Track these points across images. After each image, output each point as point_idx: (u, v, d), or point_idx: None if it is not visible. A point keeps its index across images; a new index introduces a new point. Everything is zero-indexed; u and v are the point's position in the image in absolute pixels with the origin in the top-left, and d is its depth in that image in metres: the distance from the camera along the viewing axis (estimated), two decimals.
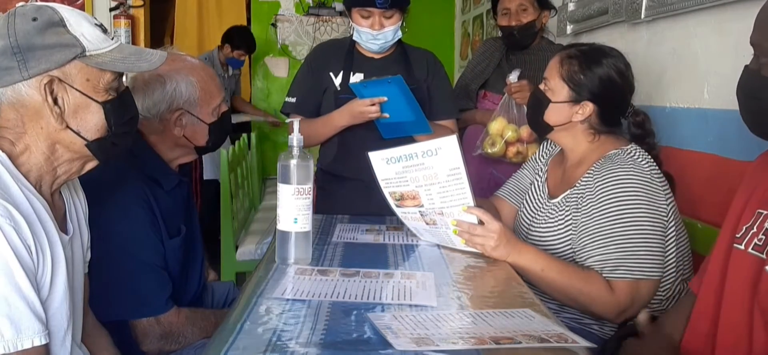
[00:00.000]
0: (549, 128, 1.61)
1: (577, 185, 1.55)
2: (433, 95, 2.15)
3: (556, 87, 1.57)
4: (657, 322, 1.37)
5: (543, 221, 1.63)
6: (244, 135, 4.46)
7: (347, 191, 2.14)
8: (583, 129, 1.59)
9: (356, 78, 2.09)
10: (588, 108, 1.55)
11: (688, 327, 1.25)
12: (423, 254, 1.53)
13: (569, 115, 1.57)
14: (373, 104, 1.92)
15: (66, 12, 1.02)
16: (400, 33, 2.04)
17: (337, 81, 2.09)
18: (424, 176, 1.45)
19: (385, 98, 1.91)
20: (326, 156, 2.18)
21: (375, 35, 2.00)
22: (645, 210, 1.42)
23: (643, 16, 2.01)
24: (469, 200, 1.43)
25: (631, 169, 1.46)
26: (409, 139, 2.03)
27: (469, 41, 4.65)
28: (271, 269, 1.33)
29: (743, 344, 1.08)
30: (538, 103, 1.61)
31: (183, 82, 1.45)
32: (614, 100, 1.57)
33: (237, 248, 3.05)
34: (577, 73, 1.54)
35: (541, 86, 1.62)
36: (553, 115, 1.59)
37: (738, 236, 1.13)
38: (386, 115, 1.95)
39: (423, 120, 1.96)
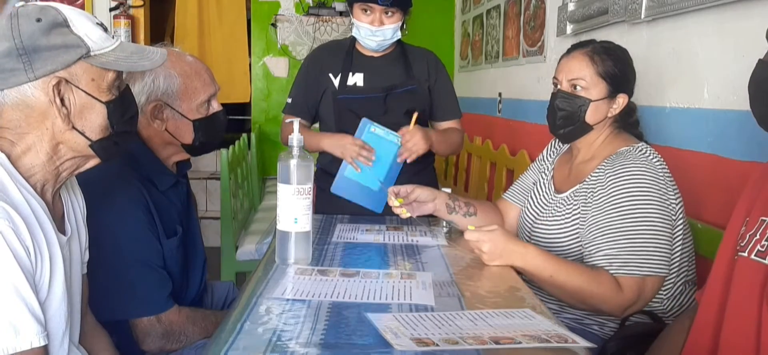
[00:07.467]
0: (588, 129, 1.57)
1: (587, 180, 1.55)
2: (435, 97, 2.14)
3: (592, 84, 1.53)
4: (660, 336, 1.36)
5: (549, 216, 1.63)
6: (244, 135, 4.46)
7: None
8: (609, 123, 1.59)
9: (355, 78, 2.08)
10: (622, 99, 1.56)
11: (688, 341, 1.22)
12: (423, 254, 1.53)
13: (606, 110, 1.56)
14: (365, 149, 1.90)
15: (69, 12, 1.02)
16: (399, 33, 2.04)
17: (336, 82, 2.09)
18: None
19: (374, 150, 1.90)
20: (326, 156, 2.17)
21: (374, 31, 1.99)
22: (655, 207, 1.43)
23: (643, 16, 2.00)
24: None
25: (643, 165, 1.46)
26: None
27: (469, 41, 4.64)
28: (271, 269, 1.34)
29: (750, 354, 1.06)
30: (575, 107, 1.55)
31: (162, 73, 1.42)
32: (632, 85, 1.59)
33: (237, 248, 3.05)
34: (612, 67, 1.53)
35: (567, 89, 1.57)
36: (593, 114, 1.55)
37: (742, 244, 1.11)
38: (359, 170, 1.93)
39: (382, 198, 1.92)
